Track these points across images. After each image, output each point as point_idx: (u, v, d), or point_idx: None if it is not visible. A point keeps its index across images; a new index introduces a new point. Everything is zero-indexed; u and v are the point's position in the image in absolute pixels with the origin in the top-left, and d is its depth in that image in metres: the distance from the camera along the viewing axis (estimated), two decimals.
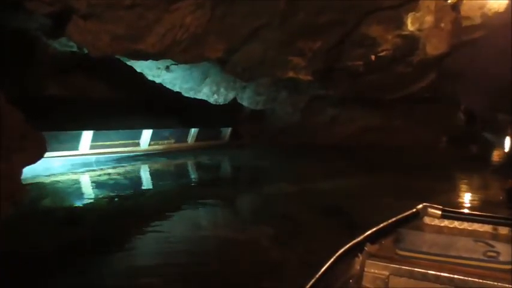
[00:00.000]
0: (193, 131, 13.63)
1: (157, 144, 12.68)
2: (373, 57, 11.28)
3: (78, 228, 6.10)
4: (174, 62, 10.96)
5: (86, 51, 8.06)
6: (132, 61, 11.03)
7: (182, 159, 12.67)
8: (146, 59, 9.25)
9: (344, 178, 10.06)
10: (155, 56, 8.63)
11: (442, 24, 11.53)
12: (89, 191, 8.56)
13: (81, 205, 7.43)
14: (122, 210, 7.03)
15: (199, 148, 13.81)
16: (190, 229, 6.05)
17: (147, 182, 10.02)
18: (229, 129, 15.35)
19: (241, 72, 11.05)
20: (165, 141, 13.01)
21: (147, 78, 12.13)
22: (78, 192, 8.39)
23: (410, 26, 10.93)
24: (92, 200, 7.67)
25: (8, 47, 9.36)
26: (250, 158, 13.66)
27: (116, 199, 7.60)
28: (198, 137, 13.92)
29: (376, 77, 12.47)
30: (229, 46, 9.61)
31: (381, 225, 2.54)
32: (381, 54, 11.32)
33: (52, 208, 7.06)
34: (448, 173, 11.41)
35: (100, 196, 7.88)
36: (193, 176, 11.22)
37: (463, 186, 9.99)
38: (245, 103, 14.11)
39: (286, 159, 13.49)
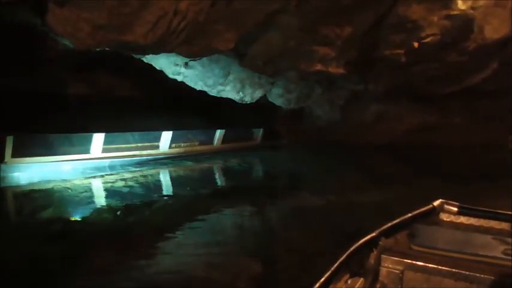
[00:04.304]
0: (219, 132, 12.59)
1: (179, 146, 11.79)
2: (416, 44, 9.54)
3: (56, 247, 5.31)
4: (192, 58, 10.13)
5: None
6: (149, 57, 10.29)
7: (207, 163, 11.65)
8: (144, 53, 8.39)
9: (384, 187, 8.60)
10: (151, 49, 7.67)
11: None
12: (95, 201, 7.80)
13: (79, 218, 6.64)
14: (117, 228, 6.19)
15: (227, 150, 12.75)
16: (162, 268, 4.88)
17: (159, 190, 9.01)
18: (261, 130, 14.19)
19: (262, 66, 9.86)
20: (188, 144, 12.08)
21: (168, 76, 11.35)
22: (84, 202, 7.58)
23: (462, 4, 9.07)
24: (94, 212, 6.90)
25: (17, 44, 9.00)
26: (281, 162, 12.50)
27: (119, 212, 6.78)
28: (225, 139, 12.87)
29: (423, 67, 10.70)
30: (241, 36, 8.45)
31: (396, 220, 2.49)
32: (426, 40, 9.54)
33: (48, 220, 6.37)
34: None
35: (105, 207, 7.12)
36: (211, 183, 10.08)
37: None
38: (276, 101, 12.86)
39: (321, 162, 12.20)
